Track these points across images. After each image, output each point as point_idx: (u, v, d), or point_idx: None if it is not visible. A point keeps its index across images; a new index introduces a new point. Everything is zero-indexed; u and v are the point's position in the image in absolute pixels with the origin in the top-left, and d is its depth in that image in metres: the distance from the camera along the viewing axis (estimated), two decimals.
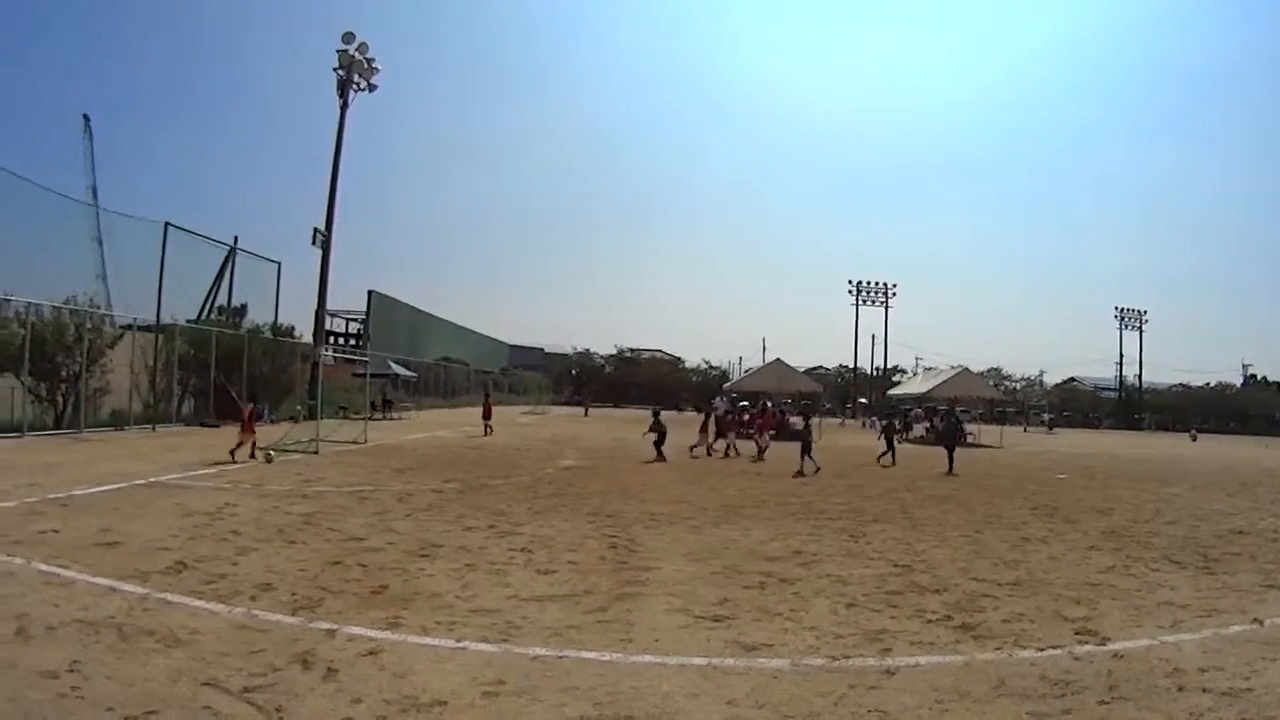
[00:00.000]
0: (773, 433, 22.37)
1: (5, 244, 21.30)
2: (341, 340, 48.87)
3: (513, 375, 71.32)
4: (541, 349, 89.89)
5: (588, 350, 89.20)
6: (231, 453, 14.20)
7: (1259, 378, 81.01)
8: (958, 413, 31.87)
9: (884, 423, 23.82)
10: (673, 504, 11.36)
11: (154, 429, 20.60)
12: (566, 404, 69.64)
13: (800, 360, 57.88)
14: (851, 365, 77.90)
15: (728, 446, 21.16)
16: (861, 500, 12.73)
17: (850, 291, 72.33)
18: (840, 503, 12.27)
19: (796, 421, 25.26)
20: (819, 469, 16.73)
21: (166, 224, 23.62)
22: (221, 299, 28.55)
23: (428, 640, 4.86)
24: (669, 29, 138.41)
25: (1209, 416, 71.74)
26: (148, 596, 5.44)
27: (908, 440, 31.42)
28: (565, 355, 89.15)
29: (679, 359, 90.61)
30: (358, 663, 4.40)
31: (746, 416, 26.39)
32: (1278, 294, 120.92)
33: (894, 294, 72.04)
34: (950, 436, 19.82)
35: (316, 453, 15.93)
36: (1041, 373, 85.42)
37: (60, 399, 19.07)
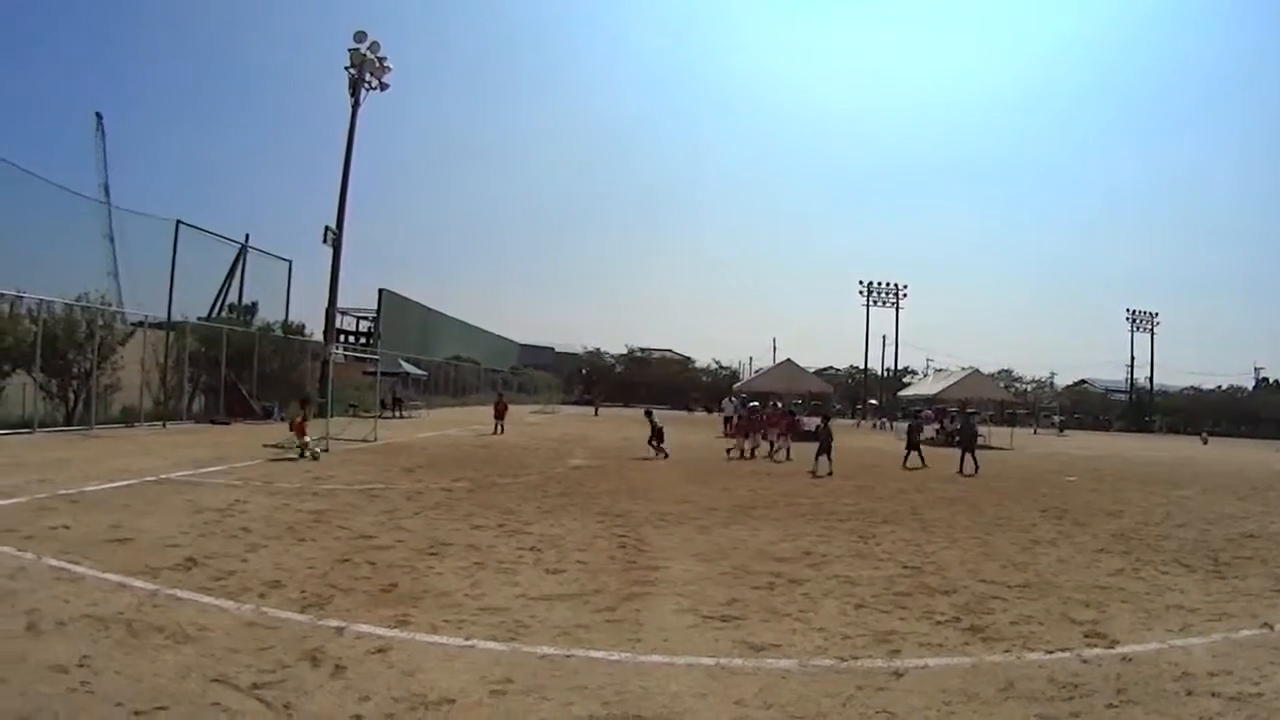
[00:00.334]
0: (764, 433, 21.75)
1: (18, 241, 21.47)
2: (352, 339, 49.02)
3: (523, 374, 71.44)
4: (552, 348, 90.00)
5: (598, 350, 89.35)
6: (300, 452, 14.89)
7: (1271, 381, 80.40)
8: (964, 415, 31.67)
9: (911, 423, 23.64)
10: (682, 504, 11.35)
11: (164, 426, 20.72)
12: (577, 403, 69.74)
13: (810, 361, 57.77)
14: (862, 366, 77.76)
15: (769, 448, 20.72)
16: (871, 501, 12.69)
17: (861, 292, 72.20)
18: (850, 504, 12.24)
19: (808, 422, 25.15)
20: (831, 472, 16.67)
21: (178, 222, 23.77)
22: (232, 297, 28.76)
23: (436, 638, 4.87)
24: (679, 30, 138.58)
25: (1220, 419, 71.26)
26: (157, 593, 5.47)
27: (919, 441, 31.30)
28: (576, 355, 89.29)
29: (689, 359, 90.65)
30: (366, 660, 4.42)
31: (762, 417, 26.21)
32: None
33: (904, 295, 71.92)
34: (969, 438, 19.78)
35: (327, 450, 15.97)
36: (1052, 375, 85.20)
37: (71, 395, 19.23)
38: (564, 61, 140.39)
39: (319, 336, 31.12)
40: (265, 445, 16.09)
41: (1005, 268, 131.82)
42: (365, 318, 51.78)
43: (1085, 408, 78.12)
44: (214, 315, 26.88)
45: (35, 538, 6.92)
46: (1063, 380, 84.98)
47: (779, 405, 26.57)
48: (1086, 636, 5.45)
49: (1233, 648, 5.30)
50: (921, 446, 20.64)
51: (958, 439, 21.07)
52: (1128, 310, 76.27)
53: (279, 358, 27.27)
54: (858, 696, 4.20)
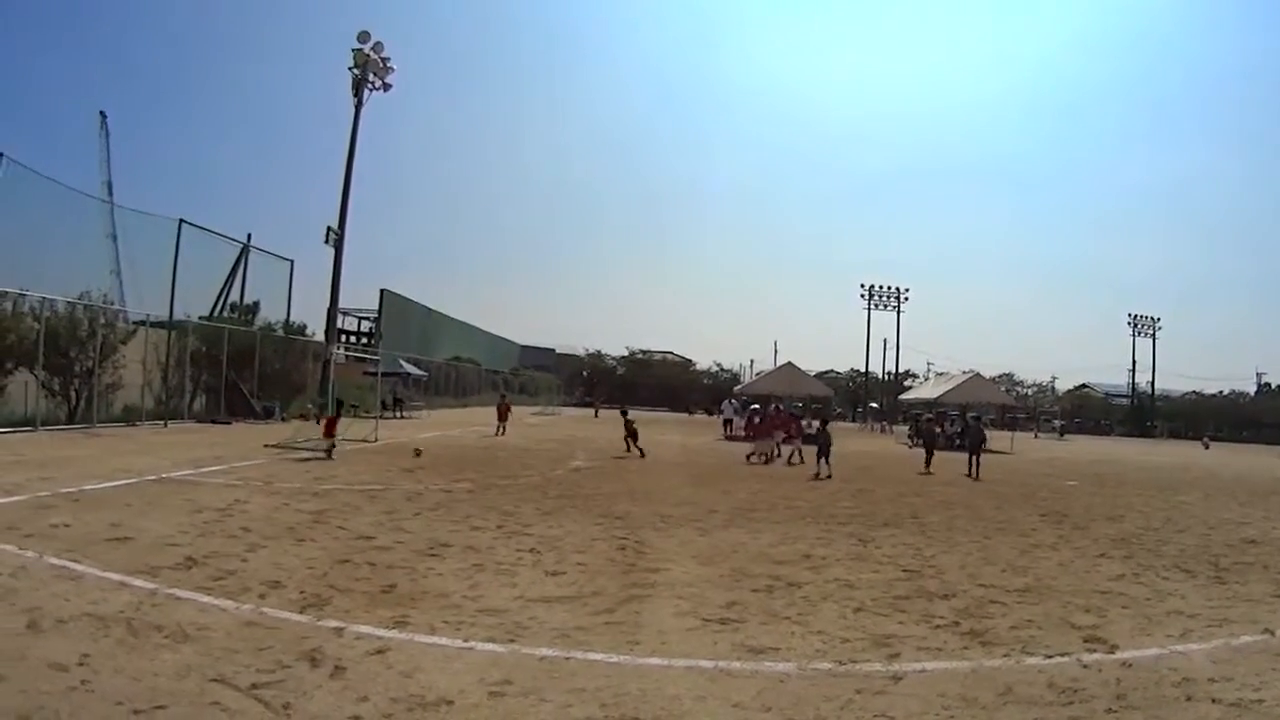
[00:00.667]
0: (784, 436, 21.49)
1: (21, 239, 21.44)
2: (353, 339, 49.04)
3: (524, 376, 71.38)
4: (553, 350, 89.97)
5: (599, 351, 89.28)
6: (327, 451, 15.15)
7: (1273, 386, 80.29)
8: (971, 418, 31.63)
9: (929, 427, 23.56)
10: (682, 506, 11.35)
11: (166, 425, 20.73)
12: (578, 405, 69.70)
13: (811, 364, 57.86)
14: (863, 369, 77.69)
15: (790, 454, 20.54)
16: (871, 505, 12.69)
17: (862, 295, 72.04)
18: (849, 507, 12.23)
19: (808, 425, 25.10)
20: (830, 475, 16.66)
21: (181, 221, 23.77)
22: (234, 296, 28.73)
23: (435, 639, 4.87)
24: (681, 32, 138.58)
25: (1222, 424, 71.00)
26: (157, 592, 5.48)
27: (919, 445, 31.27)
28: (577, 356, 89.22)
29: (690, 361, 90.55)
30: (365, 661, 4.42)
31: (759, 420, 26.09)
32: None
33: (906, 298, 71.66)
34: (976, 442, 19.81)
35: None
36: (1053, 379, 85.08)
37: (73, 394, 19.24)
38: (567, 63, 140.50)
39: (320, 336, 31.14)
40: (266, 445, 16.11)
41: (1007, 271, 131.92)
42: (366, 318, 51.80)
43: (1086, 412, 77.93)
44: (215, 315, 26.89)
45: (36, 536, 6.93)
46: (1064, 384, 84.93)
47: (781, 408, 26.50)
48: (1086, 641, 5.45)
49: (1233, 654, 5.29)
50: (933, 451, 20.54)
51: (965, 442, 21.06)
52: (1129, 315, 76.00)
53: (280, 358, 27.26)
54: (856, 700, 4.20)
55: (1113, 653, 5.19)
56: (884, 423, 55.77)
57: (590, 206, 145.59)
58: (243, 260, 28.65)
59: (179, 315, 23.42)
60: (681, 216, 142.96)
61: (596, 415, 47.72)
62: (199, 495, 9.77)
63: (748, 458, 20.19)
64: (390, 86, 31.60)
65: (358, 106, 30.68)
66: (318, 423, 18.82)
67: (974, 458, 19.02)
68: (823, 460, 17.10)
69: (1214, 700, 4.37)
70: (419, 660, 4.48)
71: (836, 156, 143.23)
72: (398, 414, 33.14)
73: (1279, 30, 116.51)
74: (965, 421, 29.06)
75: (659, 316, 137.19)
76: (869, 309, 71.91)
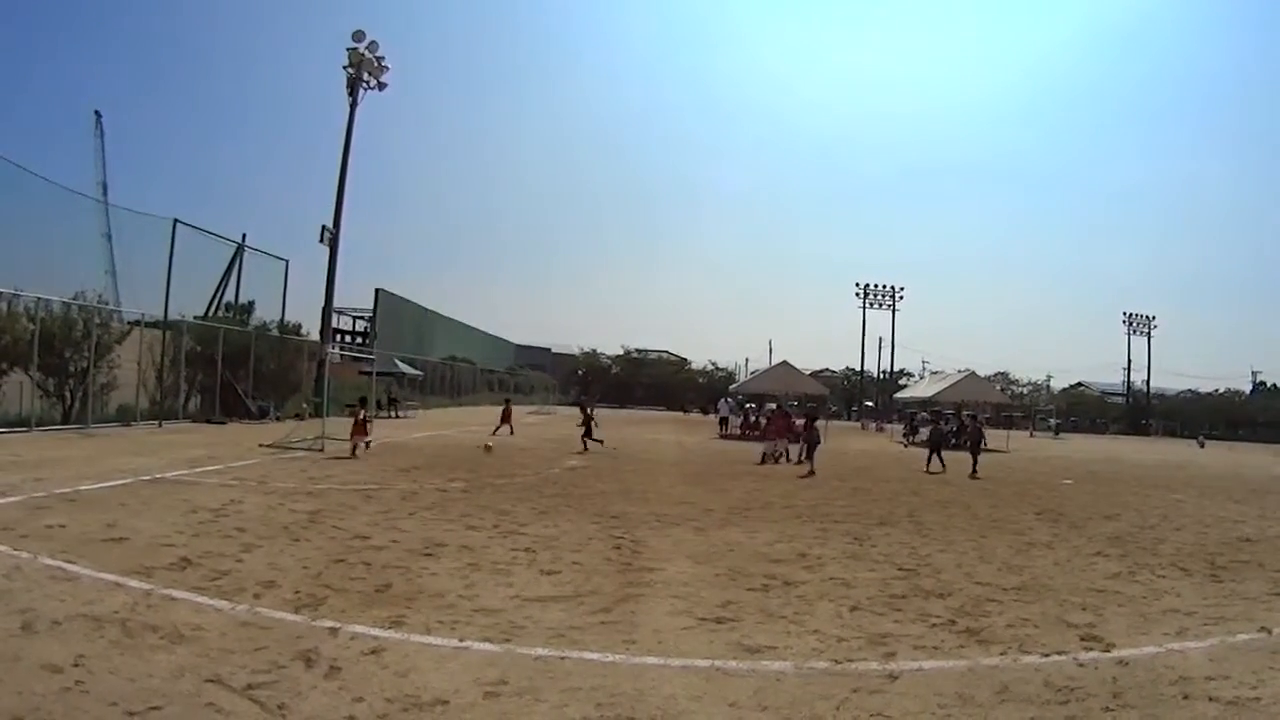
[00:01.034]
0: (779, 438, 21.40)
1: (15, 239, 21.42)
2: (348, 338, 48.99)
3: (519, 375, 71.38)
4: (548, 349, 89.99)
5: (594, 350, 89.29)
6: (353, 451, 15.53)
7: (1268, 385, 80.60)
8: (969, 417, 31.69)
9: (933, 425, 23.47)
10: (678, 505, 11.35)
11: (160, 425, 20.68)
12: (573, 404, 69.67)
13: (806, 363, 57.65)
14: (858, 368, 77.82)
15: (785, 452, 20.34)
16: (867, 503, 12.70)
17: (857, 294, 72.21)
18: (845, 505, 12.24)
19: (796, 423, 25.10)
20: (813, 471, 16.75)
21: (176, 221, 23.69)
22: (229, 296, 28.59)
23: (430, 639, 4.86)
24: (678, 30, 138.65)
25: (1217, 423, 71.26)
26: (152, 592, 5.45)
27: (914, 444, 31.35)
28: (572, 355, 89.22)
29: (685, 360, 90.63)
30: (360, 661, 4.41)
31: (762, 419, 25.96)
32: None
33: (901, 297, 71.93)
34: (976, 441, 19.83)
35: (322, 450, 15.94)
36: (1049, 377, 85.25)
37: (68, 394, 19.15)
38: (562, 63, 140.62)
39: (315, 336, 31.08)
40: (261, 445, 16.08)
41: (1002, 270, 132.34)
42: (362, 317, 51.82)
43: (1081, 411, 78.09)
44: (210, 314, 26.80)
45: (31, 536, 6.90)
46: (1059, 383, 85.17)
47: (777, 407, 26.49)
48: (1082, 640, 5.45)
49: (1229, 652, 5.30)
50: (941, 452, 20.24)
51: (962, 441, 21.09)
52: (1125, 313, 76.20)
53: (275, 357, 27.20)
54: (852, 699, 4.20)
55: (1109, 651, 5.19)
56: (879, 421, 55.86)
57: (586, 206, 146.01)
58: (238, 260, 28.54)
59: (174, 315, 23.33)
60: (677, 216, 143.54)
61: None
62: (194, 495, 9.74)
63: (762, 458, 19.71)
64: (385, 86, 31.56)
65: (353, 106, 30.63)
66: (340, 420, 18.83)
67: (974, 457, 19.11)
68: (809, 459, 17.28)
69: (1211, 698, 4.37)
70: (414, 660, 4.47)
71: (832, 156, 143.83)
72: (393, 414, 33.10)
73: (1274, 31, 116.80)
74: (961, 421, 29.07)
75: (654, 315, 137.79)
76: (864, 308, 72.25)
